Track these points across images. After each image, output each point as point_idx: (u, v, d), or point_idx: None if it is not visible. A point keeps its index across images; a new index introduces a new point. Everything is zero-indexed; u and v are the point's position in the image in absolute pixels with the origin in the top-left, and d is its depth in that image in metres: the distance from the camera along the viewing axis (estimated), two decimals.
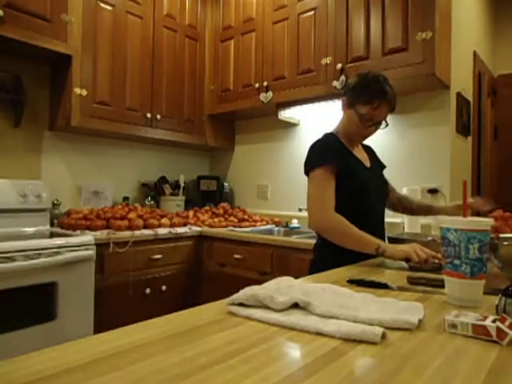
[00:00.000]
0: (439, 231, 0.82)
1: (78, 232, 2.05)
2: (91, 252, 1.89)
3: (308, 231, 2.47)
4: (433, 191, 2.19)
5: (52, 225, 2.31)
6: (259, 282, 0.83)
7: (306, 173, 1.39)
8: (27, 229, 2.16)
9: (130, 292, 2.12)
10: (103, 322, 1.96)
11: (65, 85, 2.26)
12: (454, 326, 0.63)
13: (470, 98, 2.60)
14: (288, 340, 0.59)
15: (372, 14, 2.13)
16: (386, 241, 1.46)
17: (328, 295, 0.75)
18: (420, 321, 0.65)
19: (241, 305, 0.72)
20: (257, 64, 2.69)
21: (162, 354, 0.52)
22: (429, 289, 0.91)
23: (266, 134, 3.06)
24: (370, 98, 1.34)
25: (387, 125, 1.42)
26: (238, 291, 0.74)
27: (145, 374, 0.47)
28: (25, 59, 2.28)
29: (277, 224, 2.74)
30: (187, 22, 2.86)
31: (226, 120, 3.17)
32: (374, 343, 0.57)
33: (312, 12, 2.40)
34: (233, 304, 0.73)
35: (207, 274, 2.45)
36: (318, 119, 2.74)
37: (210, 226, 2.56)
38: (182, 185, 2.94)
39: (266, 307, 0.70)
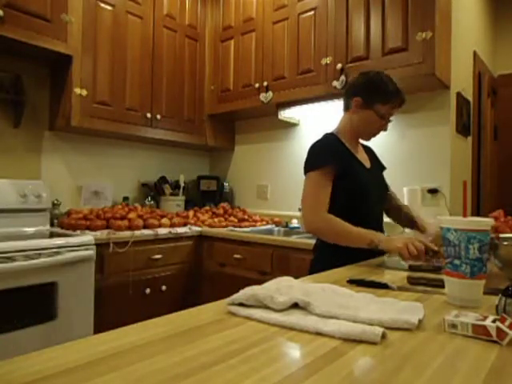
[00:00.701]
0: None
1: (78, 232, 2.05)
2: (91, 252, 1.89)
3: None
4: (433, 191, 2.19)
5: (52, 225, 2.31)
6: (259, 282, 0.83)
7: (305, 174, 1.39)
8: (27, 229, 2.16)
9: (130, 292, 2.12)
10: (103, 322, 1.96)
11: (65, 85, 2.26)
12: (454, 326, 0.63)
13: (470, 98, 2.60)
14: (288, 340, 0.59)
15: (372, 14, 2.13)
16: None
17: (328, 295, 0.75)
18: (420, 321, 0.65)
19: (241, 305, 0.72)
20: (257, 64, 2.69)
21: (162, 354, 0.52)
22: (429, 289, 0.91)
23: (266, 134, 3.06)
24: (389, 97, 1.37)
25: (391, 121, 1.46)
26: (238, 291, 0.74)
27: (145, 374, 0.47)
28: (25, 59, 2.28)
29: (277, 224, 2.74)
30: (187, 22, 2.86)
31: (226, 120, 3.17)
32: (374, 343, 0.58)
33: (312, 12, 2.39)
34: (233, 304, 0.73)
35: (207, 274, 2.45)
36: (317, 119, 2.74)
37: (210, 225, 2.56)
38: (182, 185, 2.94)
39: (266, 307, 0.70)
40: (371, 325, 0.62)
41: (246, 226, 2.55)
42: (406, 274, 1.08)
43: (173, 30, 2.76)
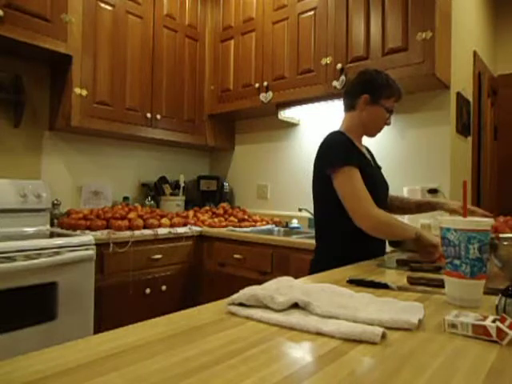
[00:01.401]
0: (439, 231, 0.82)
1: (78, 232, 2.05)
2: (91, 252, 1.89)
3: (308, 231, 2.47)
4: (433, 191, 2.19)
5: (52, 225, 2.31)
6: (259, 282, 0.83)
7: (328, 171, 1.35)
8: (27, 229, 2.16)
9: (130, 292, 2.12)
10: (103, 322, 1.96)
11: (65, 85, 2.26)
12: (453, 326, 0.62)
13: (470, 98, 2.60)
14: (288, 340, 0.59)
15: (372, 14, 2.13)
16: (387, 243, 1.46)
17: (328, 295, 0.75)
18: (420, 321, 0.65)
19: (241, 305, 0.72)
20: (257, 64, 2.69)
21: (162, 354, 0.52)
22: (429, 289, 0.91)
23: (266, 134, 3.06)
24: (392, 91, 1.43)
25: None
26: (238, 291, 0.74)
27: (145, 374, 0.47)
28: (25, 59, 2.28)
29: (277, 224, 2.74)
30: (187, 22, 2.86)
31: (225, 120, 3.17)
32: (373, 343, 0.58)
33: (312, 12, 2.39)
34: (233, 304, 0.73)
35: (207, 274, 2.45)
36: (317, 119, 2.74)
37: (210, 225, 2.56)
38: (182, 185, 2.94)
39: (266, 307, 0.70)
40: (371, 325, 0.62)
41: (246, 226, 2.55)
42: (406, 274, 1.08)
43: (173, 30, 2.76)
